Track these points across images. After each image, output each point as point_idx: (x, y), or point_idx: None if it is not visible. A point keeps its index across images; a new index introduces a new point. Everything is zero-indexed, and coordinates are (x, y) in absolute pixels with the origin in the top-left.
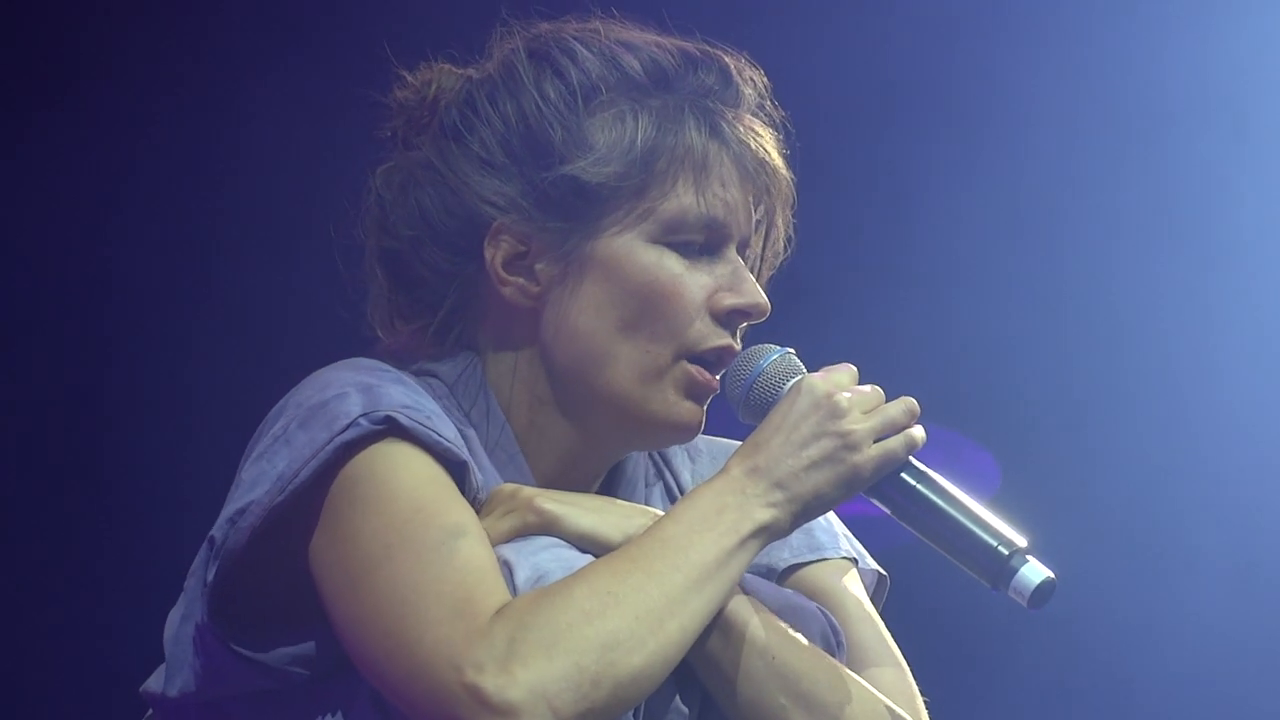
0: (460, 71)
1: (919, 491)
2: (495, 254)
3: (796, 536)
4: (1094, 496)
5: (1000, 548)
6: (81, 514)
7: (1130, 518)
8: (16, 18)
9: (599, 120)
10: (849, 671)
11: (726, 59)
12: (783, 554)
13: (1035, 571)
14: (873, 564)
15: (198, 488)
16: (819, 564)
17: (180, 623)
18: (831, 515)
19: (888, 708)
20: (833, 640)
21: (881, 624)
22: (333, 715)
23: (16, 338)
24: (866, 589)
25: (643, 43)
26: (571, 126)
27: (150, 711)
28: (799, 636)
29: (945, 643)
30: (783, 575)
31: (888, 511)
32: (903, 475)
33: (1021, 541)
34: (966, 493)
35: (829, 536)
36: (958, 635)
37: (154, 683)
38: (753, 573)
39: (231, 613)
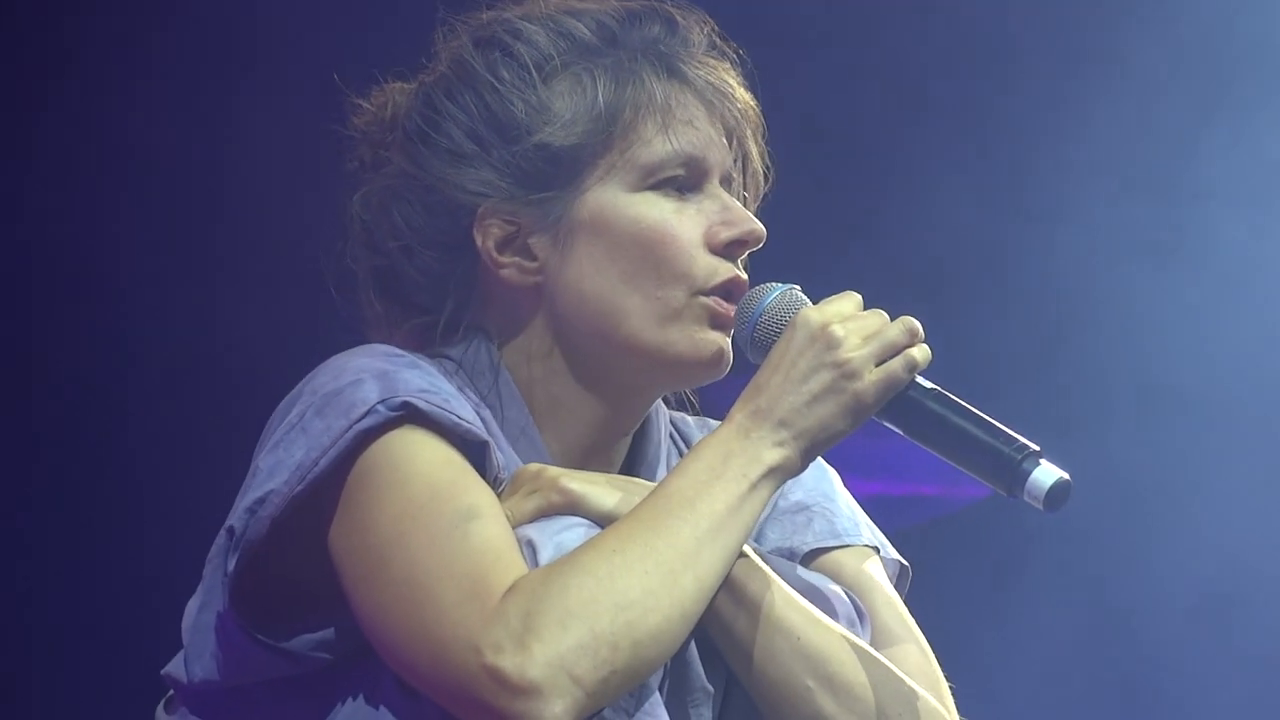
0: (410, 85)
1: (927, 408)
2: (486, 240)
3: (819, 523)
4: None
5: (1012, 452)
6: (100, 500)
7: (1134, 502)
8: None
9: (557, 87)
10: (875, 653)
11: (669, 7)
12: (805, 539)
13: (1048, 473)
14: (894, 554)
15: (214, 474)
16: (841, 550)
17: (199, 611)
18: (854, 504)
19: (913, 690)
20: (857, 623)
21: (904, 609)
22: (356, 699)
23: (28, 327)
24: (889, 579)
25: (584, 8)
26: (531, 99)
27: (171, 693)
28: (825, 618)
29: (965, 626)
30: (805, 560)
31: (900, 432)
32: (909, 394)
33: (1033, 445)
34: (976, 407)
35: (851, 524)
36: (977, 620)
37: (175, 667)
38: (774, 555)
39: (253, 601)
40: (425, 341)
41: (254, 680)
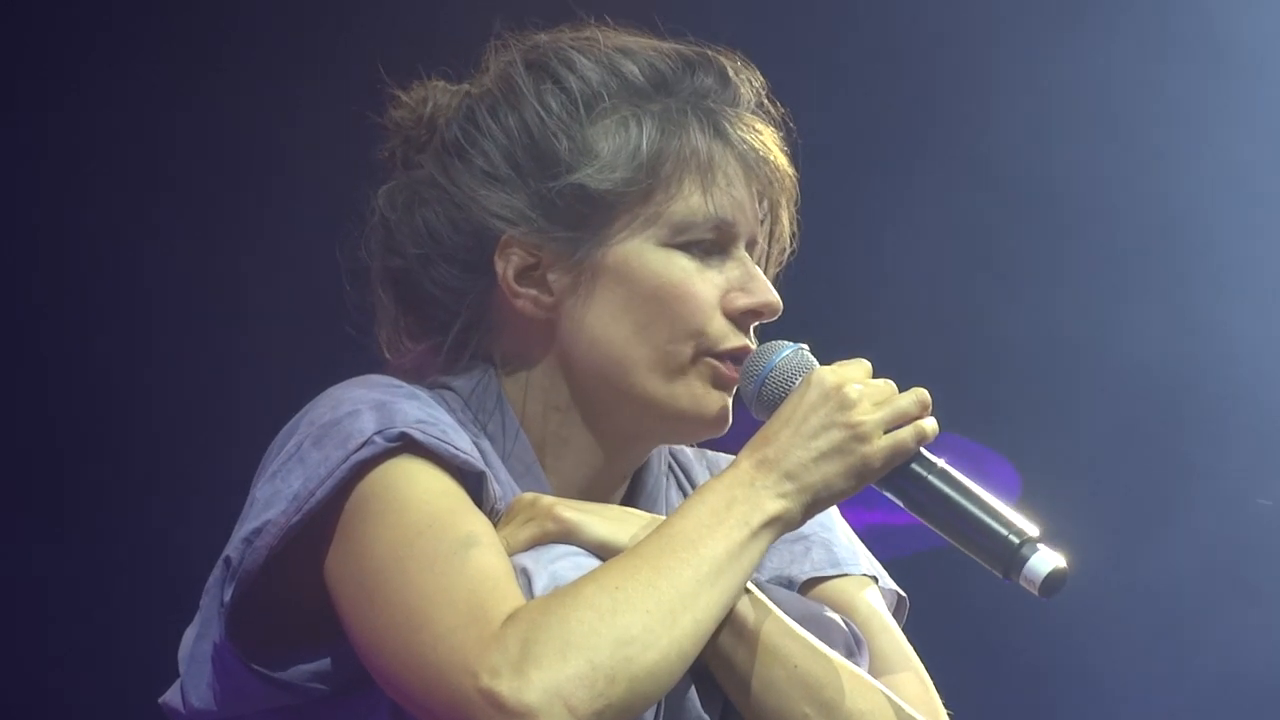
0: (454, 88)
1: (929, 482)
2: (506, 267)
3: (817, 551)
4: (1113, 501)
5: (1011, 537)
6: (99, 528)
7: (1154, 526)
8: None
9: (602, 127)
10: (873, 680)
11: (723, 59)
12: (803, 567)
13: (1045, 561)
14: (892, 584)
15: (212, 502)
16: (839, 579)
17: (196, 640)
18: (852, 534)
19: (912, 717)
20: (855, 651)
21: (903, 637)
22: None
23: (27, 344)
24: (887, 608)
25: (639, 48)
26: (575, 135)
27: None
28: (822, 646)
29: (965, 654)
30: (803, 588)
31: (899, 503)
32: (913, 466)
33: (1033, 531)
34: (979, 486)
35: (849, 554)
36: (976, 646)
37: (172, 696)
38: (772, 584)
39: (249, 631)
40: (429, 364)
41: (251, 710)
